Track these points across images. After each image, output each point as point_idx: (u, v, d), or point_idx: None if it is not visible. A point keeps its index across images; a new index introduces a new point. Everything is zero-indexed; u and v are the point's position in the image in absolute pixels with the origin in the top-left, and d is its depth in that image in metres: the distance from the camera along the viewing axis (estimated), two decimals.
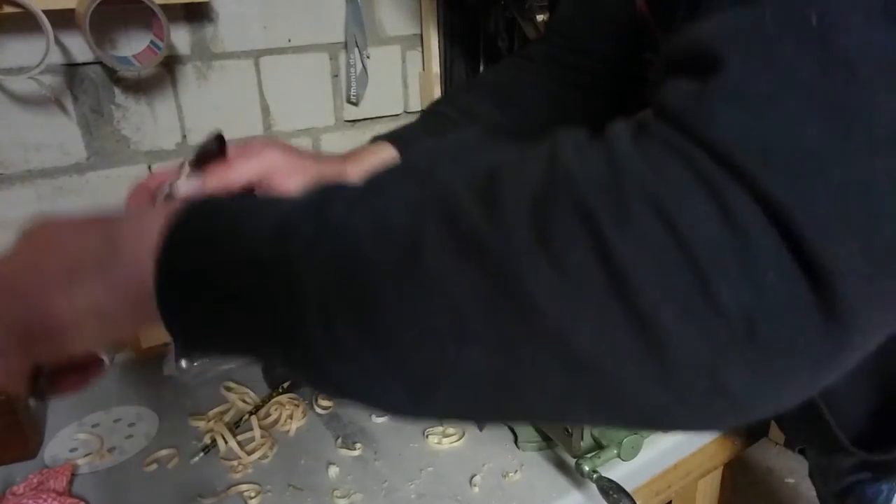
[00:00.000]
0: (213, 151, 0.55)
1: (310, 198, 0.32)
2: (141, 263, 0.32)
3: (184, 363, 0.61)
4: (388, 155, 0.65)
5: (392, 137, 0.67)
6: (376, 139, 0.68)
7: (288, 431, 0.85)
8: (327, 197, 0.31)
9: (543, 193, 0.25)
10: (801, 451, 0.83)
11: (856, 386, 0.58)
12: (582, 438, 0.68)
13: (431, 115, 0.73)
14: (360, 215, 0.29)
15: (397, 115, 1.25)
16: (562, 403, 0.28)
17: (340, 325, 0.28)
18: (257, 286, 0.30)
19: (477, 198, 0.27)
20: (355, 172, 0.62)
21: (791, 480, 2.08)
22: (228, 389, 0.94)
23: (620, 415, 0.28)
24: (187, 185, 0.52)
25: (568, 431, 0.68)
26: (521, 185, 0.26)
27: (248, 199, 0.37)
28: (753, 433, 0.92)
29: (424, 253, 0.26)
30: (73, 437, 0.86)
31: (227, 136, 0.98)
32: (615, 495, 0.63)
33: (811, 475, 0.83)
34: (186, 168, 0.53)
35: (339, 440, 0.83)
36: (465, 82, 1.03)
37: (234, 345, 0.34)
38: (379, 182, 0.32)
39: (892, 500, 0.66)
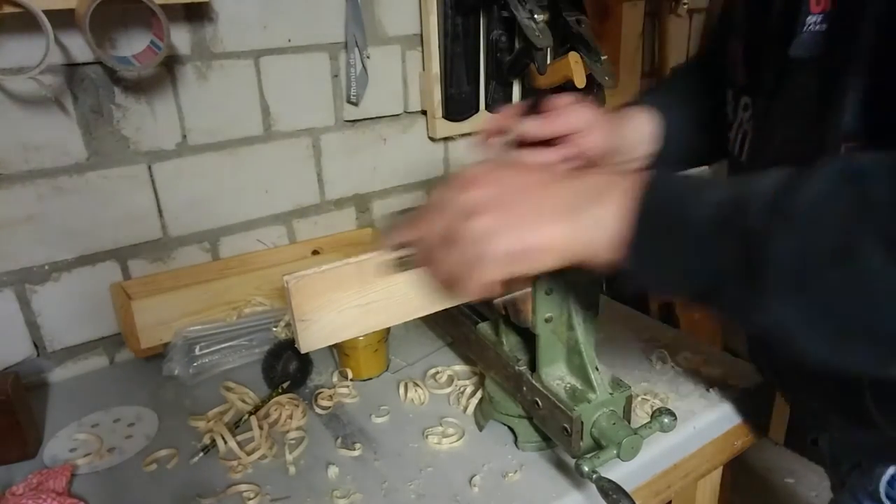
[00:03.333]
0: (536, 106, 0.72)
1: (760, 185, 0.43)
2: (621, 209, 0.46)
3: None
4: (647, 117, 0.78)
5: (648, 103, 0.80)
6: (629, 104, 0.81)
7: (288, 431, 0.85)
8: (779, 188, 0.42)
9: None
10: (814, 442, 0.84)
11: None
12: (582, 438, 0.68)
13: (661, 88, 0.88)
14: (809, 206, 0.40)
15: (397, 115, 1.25)
16: None
17: (791, 280, 0.40)
18: (715, 240, 0.43)
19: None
20: (629, 133, 0.77)
21: (791, 480, 2.08)
22: (228, 389, 0.94)
23: None
24: (532, 125, 0.70)
25: (567, 431, 0.68)
26: None
27: (693, 178, 0.49)
28: (755, 431, 0.92)
29: (860, 254, 0.37)
30: (73, 437, 0.86)
31: (232, 136, 1.00)
32: (615, 495, 0.63)
33: (826, 466, 0.84)
34: (520, 119, 0.71)
35: (339, 440, 0.83)
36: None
37: (679, 278, 0.46)
38: (809, 188, 0.41)
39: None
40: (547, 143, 0.72)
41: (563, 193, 0.50)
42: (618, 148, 0.74)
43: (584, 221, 0.48)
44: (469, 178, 0.52)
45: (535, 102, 0.72)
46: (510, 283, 0.55)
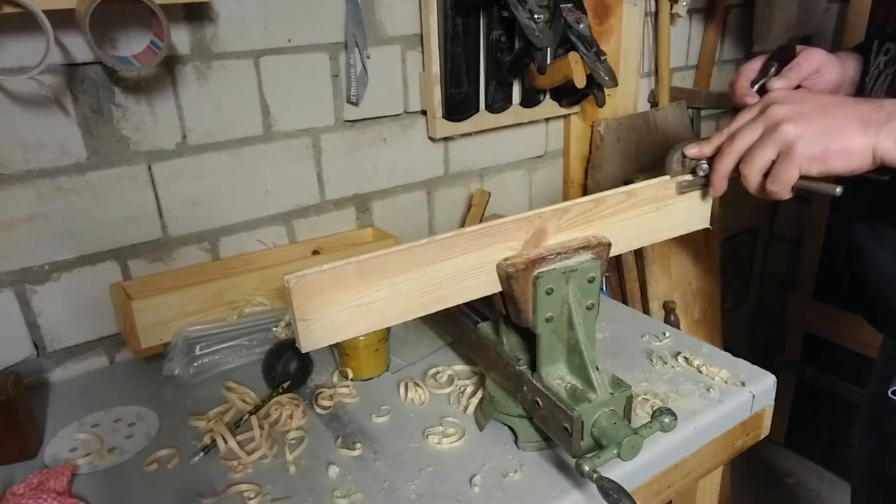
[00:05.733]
0: (788, 55, 0.81)
1: None
2: None
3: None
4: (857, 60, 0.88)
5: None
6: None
7: (288, 431, 0.85)
8: None
9: None
10: (894, 393, 0.89)
11: None
12: (582, 438, 0.68)
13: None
14: None
15: (397, 114, 1.25)
16: None
17: None
18: None
19: None
20: (849, 71, 0.87)
21: (791, 480, 2.08)
22: (228, 389, 0.94)
23: None
24: (778, 81, 0.79)
25: (568, 431, 0.68)
26: None
27: None
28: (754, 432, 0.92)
29: None
30: (73, 437, 0.86)
31: (232, 136, 1.00)
32: (615, 495, 0.63)
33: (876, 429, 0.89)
34: (773, 66, 0.80)
35: (339, 440, 0.83)
36: None
37: None
38: None
39: None
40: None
41: (858, 110, 0.63)
42: (841, 84, 0.85)
43: (880, 134, 0.61)
44: (775, 98, 0.67)
45: (778, 52, 0.83)
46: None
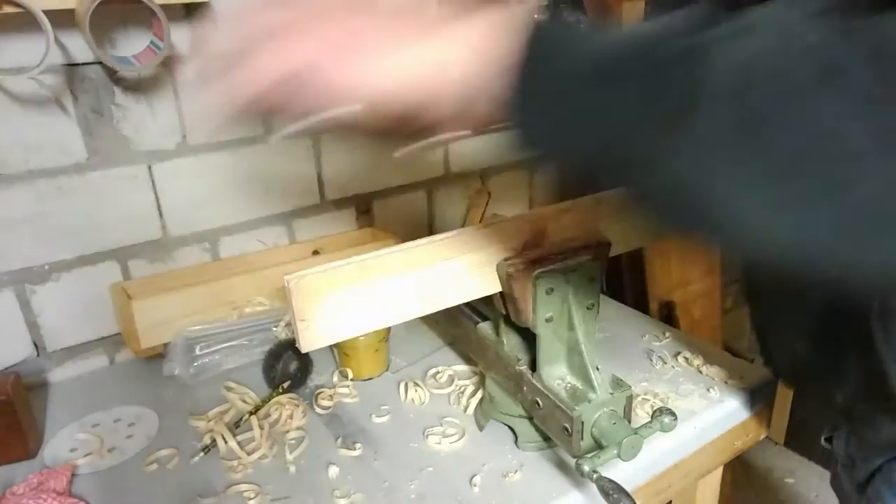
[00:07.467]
0: None
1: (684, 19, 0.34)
2: (496, 27, 0.36)
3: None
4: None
5: None
6: None
7: (288, 431, 0.85)
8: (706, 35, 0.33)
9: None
10: (828, 441, 0.83)
11: None
12: (582, 438, 0.68)
13: None
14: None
15: None
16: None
17: (723, 126, 0.30)
18: (627, 73, 0.33)
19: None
20: None
21: (791, 480, 2.08)
22: (228, 389, 0.94)
23: None
24: None
25: (568, 431, 0.68)
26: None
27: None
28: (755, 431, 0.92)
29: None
30: (73, 437, 0.86)
31: (229, 136, 1.00)
32: (615, 495, 0.63)
33: (836, 471, 0.83)
34: None
35: (339, 440, 0.83)
36: None
37: (577, 124, 0.35)
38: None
39: None
40: None
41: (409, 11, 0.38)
42: None
43: (443, 43, 0.36)
44: None
45: None
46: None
